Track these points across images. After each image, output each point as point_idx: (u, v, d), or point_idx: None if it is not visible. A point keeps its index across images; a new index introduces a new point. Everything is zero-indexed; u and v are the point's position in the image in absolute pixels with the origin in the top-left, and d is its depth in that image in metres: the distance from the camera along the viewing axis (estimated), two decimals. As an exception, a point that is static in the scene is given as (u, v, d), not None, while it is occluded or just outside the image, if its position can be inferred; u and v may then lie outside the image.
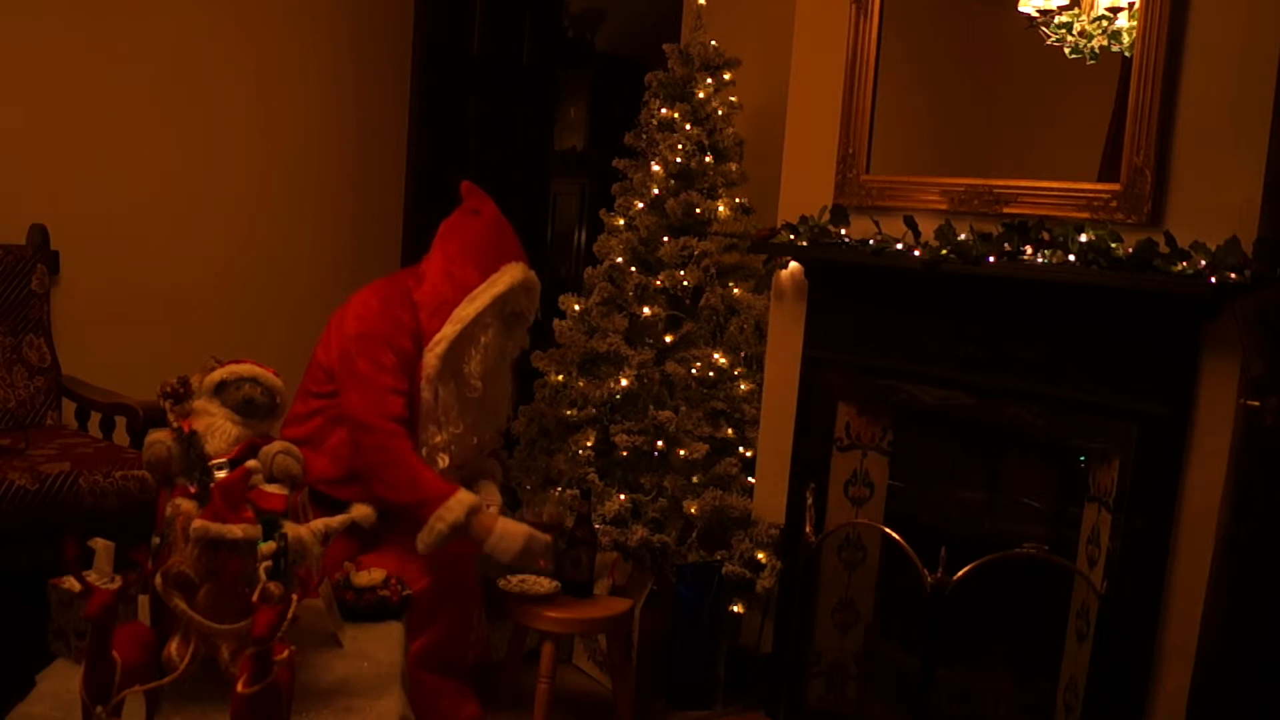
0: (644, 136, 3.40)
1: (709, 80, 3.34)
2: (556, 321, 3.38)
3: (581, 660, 3.28)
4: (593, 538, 2.89)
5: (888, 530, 2.70)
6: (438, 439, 2.71)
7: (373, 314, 2.72)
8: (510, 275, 2.75)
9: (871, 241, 2.74)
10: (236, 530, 1.71)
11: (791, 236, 2.95)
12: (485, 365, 2.73)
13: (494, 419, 2.91)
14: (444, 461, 2.73)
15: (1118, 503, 2.36)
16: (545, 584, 2.94)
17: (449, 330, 2.69)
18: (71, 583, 1.84)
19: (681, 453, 3.15)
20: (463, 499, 2.62)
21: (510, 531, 2.67)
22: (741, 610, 3.11)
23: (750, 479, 3.21)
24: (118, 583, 1.71)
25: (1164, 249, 2.21)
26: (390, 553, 2.64)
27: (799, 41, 3.09)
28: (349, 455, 2.72)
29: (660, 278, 3.26)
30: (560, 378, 3.33)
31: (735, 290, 3.31)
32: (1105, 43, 2.46)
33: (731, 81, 3.39)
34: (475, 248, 2.77)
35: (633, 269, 3.31)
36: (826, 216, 2.91)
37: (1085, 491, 2.52)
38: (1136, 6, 2.35)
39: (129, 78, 3.68)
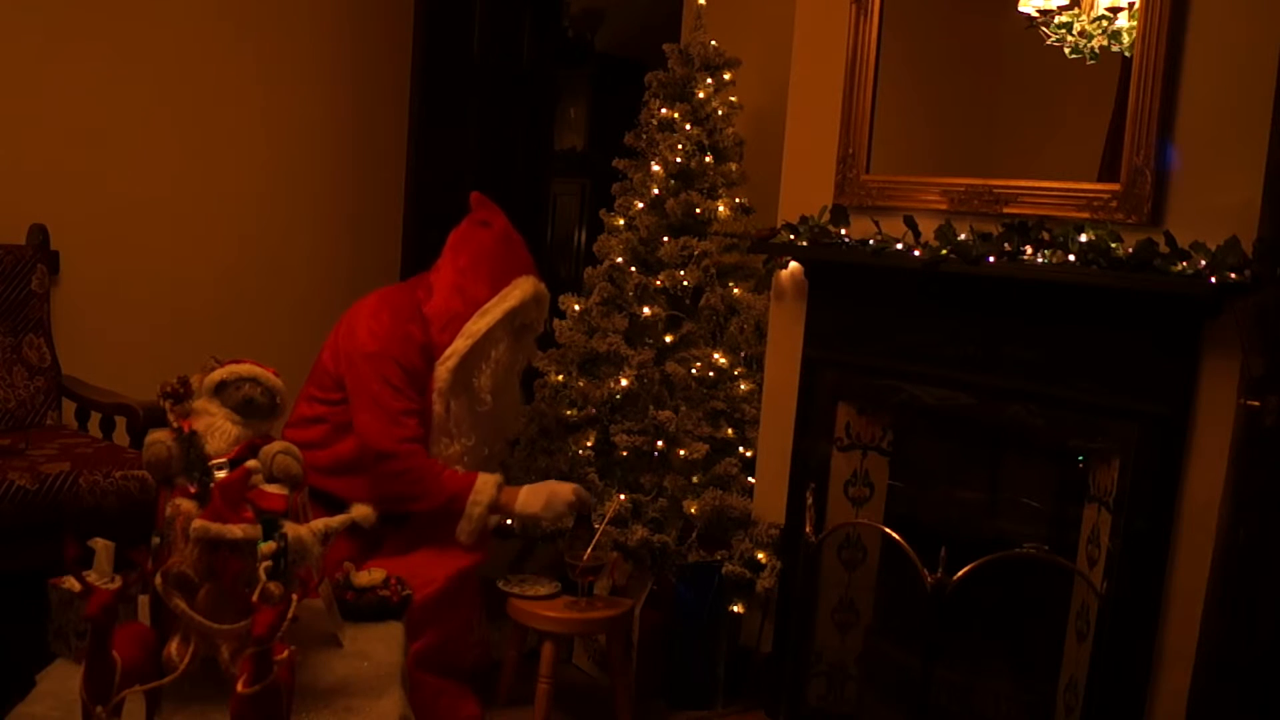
0: (644, 136, 3.40)
1: (709, 80, 3.34)
2: (556, 321, 3.37)
3: (581, 660, 3.28)
4: (590, 536, 2.89)
5: (888, 530, 2.70)
6: (451, 450, 2.75)
7: (384, 331, 2.72)
8: (521, 289, 2.77)
9: (871, 241, 2.74)
10: (236, 530, 1.71)
11: (791, 236, 2.95)
12: (496, 379, 2.76)
13: (504, 430, 2.95)
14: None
15: (1118, 503, 2.36)
16: (545, 584, 2.95)
17: (460, 345, 2.71)
18: (71, 583, 1.84)
19: (681, 453, 3.15)
20: (486, 479, 2.72)
21: (534, 489, 2.76)
22: (741, 610, 3.11)
23: (750, 479, 3.21)
24: (118, 583, 1.71)
25: (1164, 249, 2.21)
26: (410, 560, 2.66)
27: (799, 41, 3.09)
28: (351, 459, 2.73)
29: (660, 278, 3.26)
30: (560, 378, 3.33)
31: (735, 290, 3.31)
32: (1105, 43, 2.46)
33: (731, 81, 3.39)
34: (486, 261, 2.78)
35: (633, 269, 3.31)
36: (826, 216, 2.91)
37: (1085, 491, 2.52)
38: (1136, 6, 2.35)
39: (129, 78, 3.68)
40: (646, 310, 3.26)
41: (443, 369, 2.71)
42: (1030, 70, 2.69)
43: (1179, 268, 2.17)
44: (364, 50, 4.28)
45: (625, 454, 3.22)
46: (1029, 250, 2.43)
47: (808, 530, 2.86)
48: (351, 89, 4.27)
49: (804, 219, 2.94)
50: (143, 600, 1.90)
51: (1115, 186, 2.36)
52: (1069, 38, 2.50)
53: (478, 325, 2.72)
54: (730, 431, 3.24)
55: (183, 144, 3.84)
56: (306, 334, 3.66)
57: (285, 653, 1.59)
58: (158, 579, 1.70)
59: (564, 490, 2.77)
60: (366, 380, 2.68)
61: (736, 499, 3.13)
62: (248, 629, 1.56)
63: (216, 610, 1.70)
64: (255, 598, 1.58)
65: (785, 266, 3.08)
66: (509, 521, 3.18)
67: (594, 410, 3.25)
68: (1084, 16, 2.48)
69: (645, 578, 3.09)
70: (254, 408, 2.15)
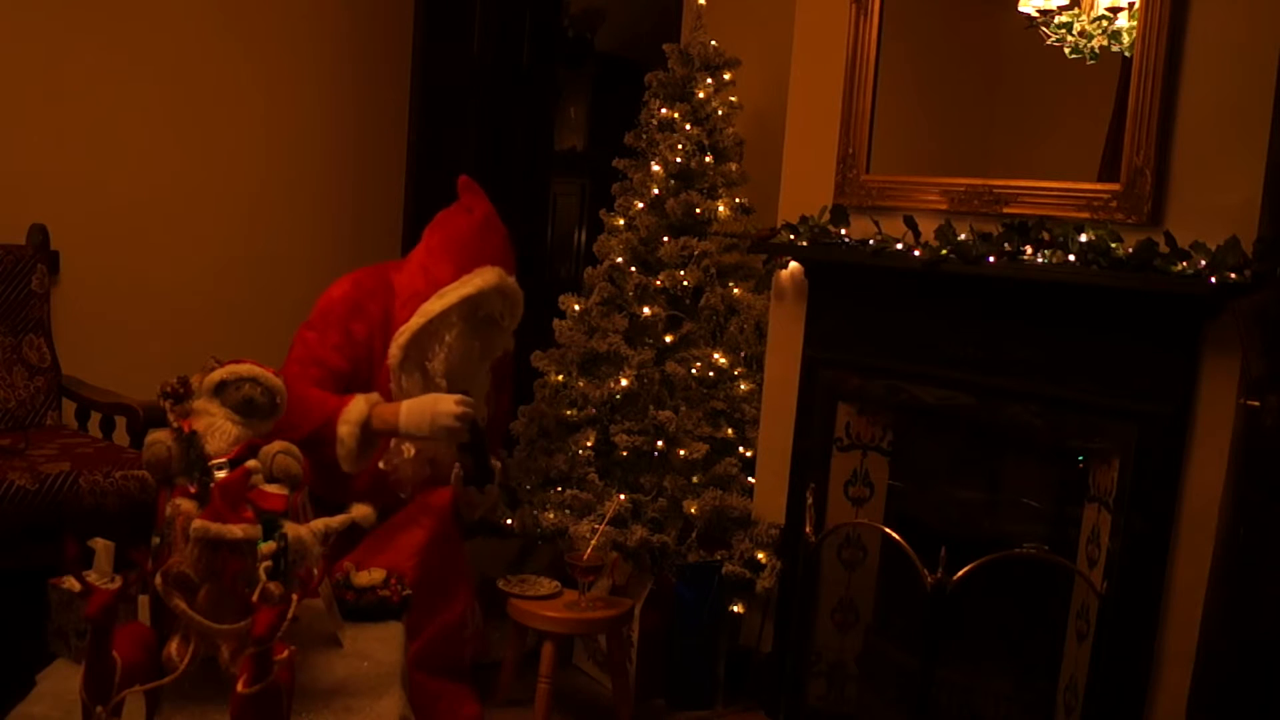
0: (644, 136, 3.40)
1: (709, 80, 3.34)
2: (556, 321, 3.38)
3: (581, 660, 3.28)
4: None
5: (888, 530, 2.70)
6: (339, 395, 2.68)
7: (339, 294, 2.73)
8: (482, 279, 2.70)
9: (871, 241, 2.74)
10: (236, 530, 1.71)
11: (791, 236, 2.95)
12: (449, 364, 2.70)
13: None
14: (409, 451, 2.73)
15: (1118, 503, 2.36)
16: (545, 584, 2.95)
17: (413, 322, 2.67)
18: (71, 583, 1.84)
19: (681, 453, 3.15)
20: (359, 398, 2.59)
21: (416, 405, 2.60)
22: (741, 610, 3.11)
23: (750, 479, 3.21)
24: (118, 583, 1.71)
25: (1164, 249, 2.21)
26: (368, 551, 2.59)
27: (799, 41, 3.09)
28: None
29: (660, 278, 3.26)
30: (560, 378, 3.33)
31: (735, 290, 3.31)
32: (1105, 43, 2.46)
33: (731, 81, 3.39)
34: (456, 245, 2.74)
35: (633, 269, 3.30)
36: (826, 216, 2.91)
37: (1085, 491, 2.52)
38: (1136, 6, 2.35)
39: (129, 78, 3.68)
40: (646, 310, 3.26)
41: (394, 345, 2.68)
42: (1030, 70, 2.69)
43: (1179, 268, 2.17)
44: (364, 50, 4.28)
45: (625, 454, 3.22)
46: (1029, 250, 2.43)
47: (808, 530, 2.86)
48: (352, 89, 4.26)
49: (804, 219, 2.94)
50: (143, 600, 1.90)
51: (1115, 186, 2.36)
52: (1069, 38, 2.50)
53: (432, 306, 2.67)
54: (730, 431, 3.23)
55: (182, 144, 3.84)
56: (306, 334, 3.66)
57: (285, 653, 1.59)
58: (158, 579, 1.70)
59: (446, 403, 2.58)
60: (303, 331, 2.69)
61: (736, 499, 3.13)
62: (248, 629, 1.56)
63: (216, 610, 1.70)
64: (255, 598, 1.58)
65: (785, 266, 3.08)
66: (509, 522, 3.18)
67: (594, 410, 3.25)
68: (1084, 16, 2.48)
69: (645, 578, 3.09)
70: (254, 408, 2.15)
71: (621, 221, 3.40)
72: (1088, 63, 2.49)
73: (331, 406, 2.59)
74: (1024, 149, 2.73)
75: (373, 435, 2.62)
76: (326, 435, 2.57)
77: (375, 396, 2.63)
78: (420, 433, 2.62)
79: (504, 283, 2.74)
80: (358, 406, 2.59)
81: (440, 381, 2.70)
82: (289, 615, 1.55)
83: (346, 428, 2.56)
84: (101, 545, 1.85)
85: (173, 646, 1.72)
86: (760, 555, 3.04)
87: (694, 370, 3.22)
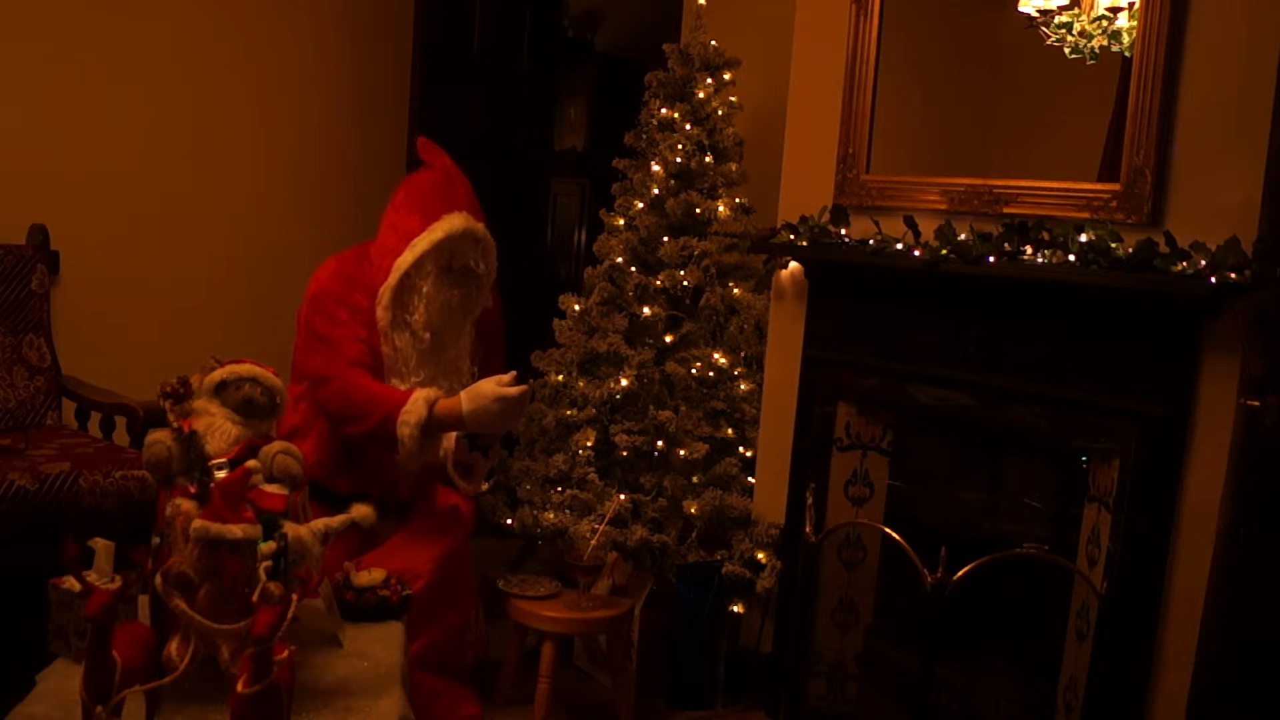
0: (644, 136, 3.40)
1: (709, 80, 3.34)
2: (556, 321, 3.38)
3: (581, 660, 3.28)
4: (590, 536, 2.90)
5: (888, 530, 2.70)
6: (403, 389, 2.66)
7: (327, 274, 2.71)
8: (449, 223, 2.65)
9: (871, 241, 2.74)
10: (236, 530, 1.71)
11: (791, 236, 2.95)
12: (429, 314, 2.66)
13: (454, 374, 2.78)
14: (449, 441, 2.72)
15: (1118, 503, 2.36)
16: (545, 584, 2.95)
17: (391, 279, 2.64)
18: (71, 583, 1.84)
19: (681, 453, 3.15)
20: (418, 396, 2.56)
21: (478, 395, 2.55)
22: (741, 610, 3.11)
23: (750, 479, 3.21)
24: (118, 583, 1.71)
25: (1164, 249, 2.21)
26: (390, 551, 2.63)
27: (799, 41, 3.09)
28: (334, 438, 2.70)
29: (660, 278, 3.26)
30: (560, 378, 3.33)
31: (735, 290, 3.31)
32: (1105, 43, 2.46)
33: (731, 81, 3.39)
34: (419, 197, 2.72)
35: (633, 269, 3.31)
36: (826, 216, 2.91)
37: (1085, 491, 2.52)
38: (1136, 6, 2.35)
39: (129, 78, 3.69)
40: (646, 310, 3.26)
41: (380, 308, 2.66)
42: (1030, 70, 2.69)
43: (1179, 268, 2.17)
44: (364, 50, 4.28)
45: (625, 454, 3.22)
46: (1029, 250, 2.43)
47: (808, 530, 2.86)
48: (351, 89, 4.27)
49: (804, 219, 2.94)
50: (143, 600, 1.90)
51: (1115, 186, 2.36)
52: (1069, 38, 2.50)
53: (405, 258, 2.63)
54: (730, 431, 3.23)
55: (182, 143, 3.84)
56: (306, 334, 3.65)
57: (285, 653, 1.59)
58: (158, 579, 1.70)
59: (491, 386, 2.54)
60: (311, 321, 2.66)
61: (736, 499, 3.13)
62: (248, 629, 1.56)
63: (216, 610, 1.70)
64: (255, 598, 1.58)
65: (785, 266, 3.08)
66: (509, 522, 3.19)
67: (594, 410, 3.25)
68: (1084, 16, 2.48)
69: (645, 578, 3.09)
70: (254, 408, 2.15)
71: (621, 221, 3.40)
72: (1088, 63, 2.49)
73: (393, 403, 2.56)
74: (1024, 149, 2.73)
75: (434, 432, 2.60)
76: (384, 433, 2.56)
77: (433, 394, 2.59)
78: (489, 429, 2.60)
79: (472, 226, 2.68)
80: (417, 410, 2.55)
81: (425, 335, 2.67)
82: (289, 615, 1.55)
83: (407, 430, 2.54)
84: (101, 545, 1.85)
85: (173, 646, 1.72)
86: (760, 555, 3.04)
87: (694, 370, 3.22)
